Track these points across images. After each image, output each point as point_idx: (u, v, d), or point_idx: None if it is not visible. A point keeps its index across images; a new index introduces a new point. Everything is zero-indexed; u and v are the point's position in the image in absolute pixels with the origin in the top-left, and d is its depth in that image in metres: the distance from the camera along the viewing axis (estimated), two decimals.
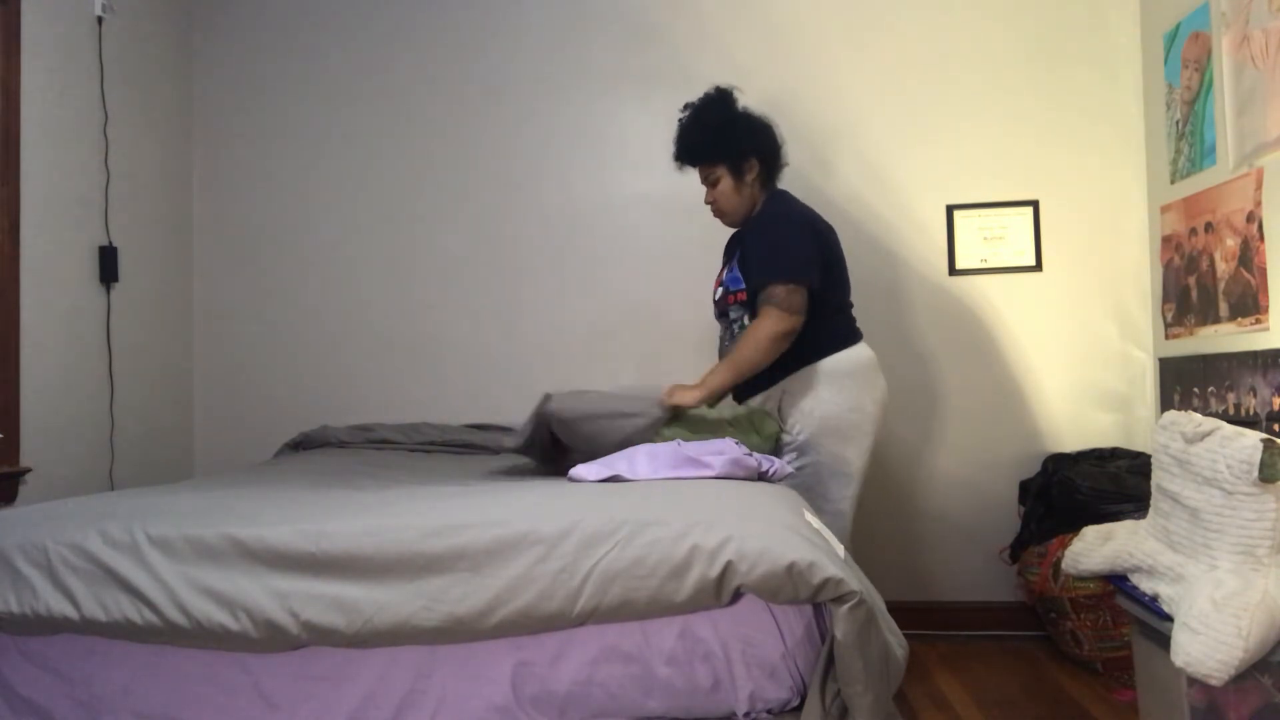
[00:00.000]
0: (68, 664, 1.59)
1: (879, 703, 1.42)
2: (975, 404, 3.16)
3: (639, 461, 2.01)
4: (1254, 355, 2.45)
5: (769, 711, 1.50)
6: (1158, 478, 1.86)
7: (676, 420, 2.30)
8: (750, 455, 2.04)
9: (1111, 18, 3.15)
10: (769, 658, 1.49)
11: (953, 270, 3.18)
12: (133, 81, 3.16)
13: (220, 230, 3.51)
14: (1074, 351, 3.13)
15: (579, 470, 2.03)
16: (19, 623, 1.56)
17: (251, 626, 1.48)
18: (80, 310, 2.88)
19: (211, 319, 3.50)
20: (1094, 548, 2.01)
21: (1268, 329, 2.43)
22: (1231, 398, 2.55)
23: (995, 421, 3.15)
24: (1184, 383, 2.83)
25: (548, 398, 2.29)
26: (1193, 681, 1.65)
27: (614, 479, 1.96)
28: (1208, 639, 1.54)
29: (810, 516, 1.69)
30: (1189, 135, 2.82)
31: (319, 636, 1.49)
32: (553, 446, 2.33)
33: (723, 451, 2.00)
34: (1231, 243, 2.58)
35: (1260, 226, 2.44)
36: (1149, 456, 2.05)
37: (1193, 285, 2.81)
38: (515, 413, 3.26)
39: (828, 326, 2.43)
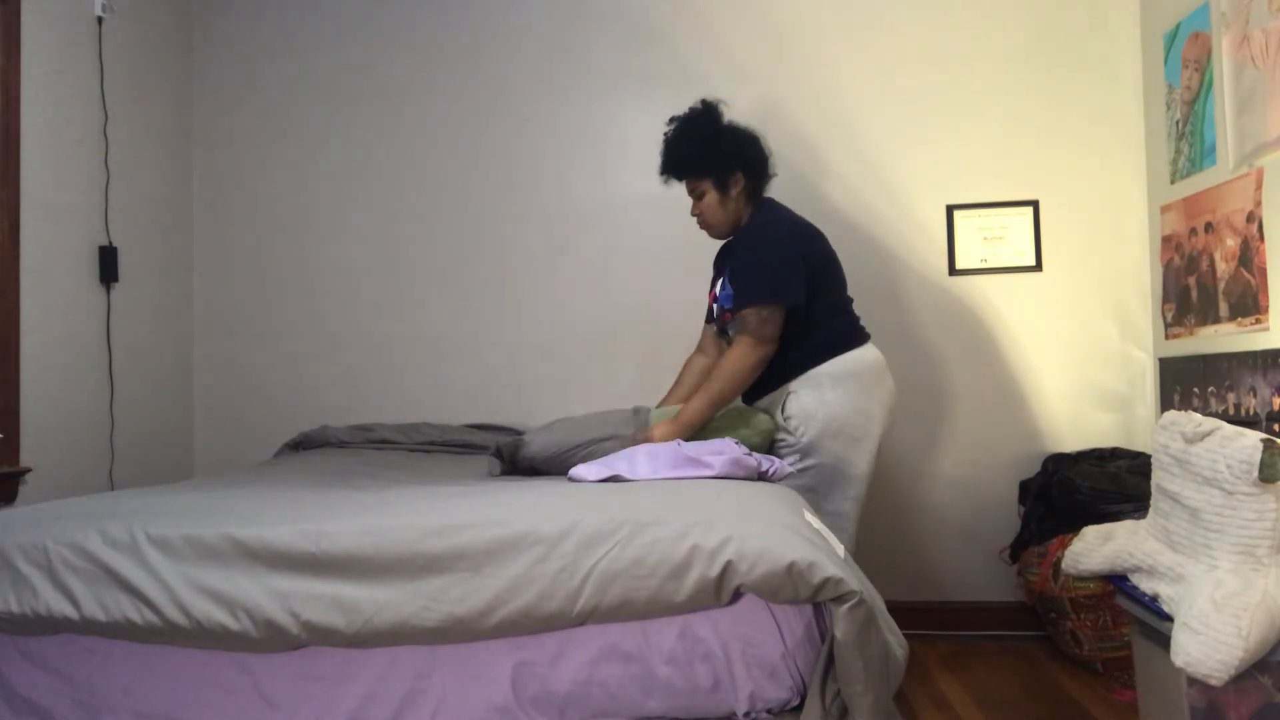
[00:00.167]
0: (68, 664, 1.59)
1: (879, 703, 1.42)
2: (975, 404, 3.16)
3: (639, 461, 2.01)
4: (1254, 355, 2.45)
5: (769, 711, 1.50)
6: (1158, 478, 1.86)
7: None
8: (750, 455, 2.04)
9: (1111, 18, 3.15)
10: (769, 658, 1.49)
11: (953, 270, 3.18)
12: (133, 81, 3.16)
13: (220, 230, 3.51)
14: (1074, 351, 3.13)
15: (579, 470, 2.04)
16: (19, 623, 1.56)
17: (251, 626, 1.48)
18: (80, 310, 2.89)
19: (211, 319, 3.50)
20: (1094, 548, 2.01)
21: (1268, 329, 2.43)
22: (1231, 398, 2.55)
23: (995, 421, 3.15)
24: (1184, 383, 2.83)
25: (520, 444, 2.33)
26: (1193, 681, 1.65)
27: (614, 479, 1.96)
28: (1208, 639, 1.54)
29: (810, 516, 1.69)
30: (1189, 135, 2.82)
31: (319, 636, 1.49)
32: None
33: (722, 451, 2.01)
34: (1231, 243, 2.58)
35: (1260, 226, 2.44)
36: (1149, 456, 2.05)
37: (1193, 285, 2.81)
38: (515, 413, 3.28)
39: (831, 328, 2.44)
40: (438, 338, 3.39)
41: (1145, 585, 1.85)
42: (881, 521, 3.08)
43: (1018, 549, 2.93)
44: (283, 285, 3.47)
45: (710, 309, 2.65)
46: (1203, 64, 2.72)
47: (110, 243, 3.00)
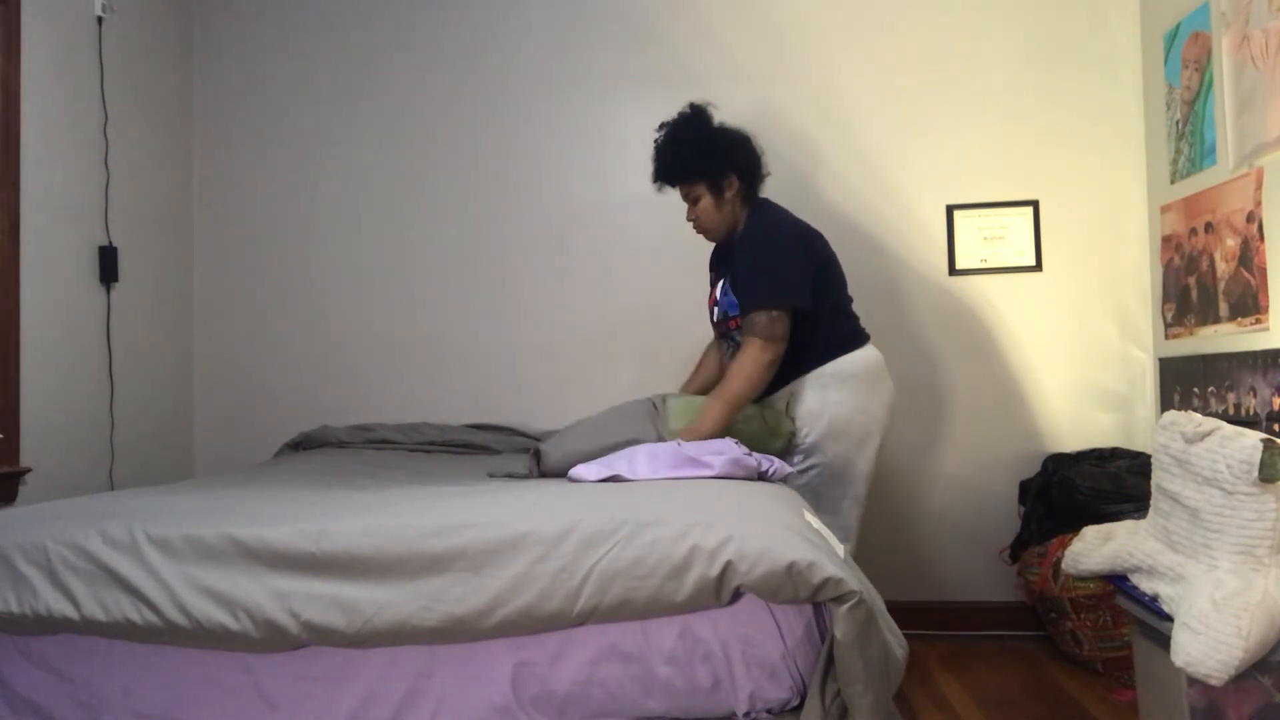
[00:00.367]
0: (68, 664, 1.59)
1: (879, 703, 1.42)
2: (975, 404, 3.16)
3: (639, 461, 2.01)
4: (1254, 355, 2.45)
5: (769, 711, 1.50)
6: (1158, 478, 1.86)
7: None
8: (750, 455, 2.04)
9: (1111, 18, 3.15)
10: (769, 658, 1.49)
11: (953, 270, 3.18)
12: (133, 81, 3.16)
13: (220, 230, 3.51)
14: (1074, 351, 3.13)
15: (579, 470, 2.04)
16: (19, 623, 1.56)
17: (251, 626, 1.48)
18: (80, 310, 2.88)
19: (211, 319, 3.50)
20: (1094, 548, 2.01)
21: (1268, 329, 2.43)
22: (1231, 398, 2.55)
23: (995, 421, 3.15)
24: (1184, 383, 2.83)
25: (538, 453, 2.28)
26: (1193, 681, 1.65)
27: (614, 479, 1.96)
28: (1208, 639, 1.54)
29: (810, 516, 1.69)
30: (1189, 135, 2.82)
31: (319, 636, 1.49)
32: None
33: (722, 451, 2.01)
34: (1231, 243, 2.58)
35: (1260, 226, 2.44)
36: (1149, 456, 2.05)
37: (1193, 285, 2.81)
38: (515, 413, 3.28)
39: (833, 329, 2.44)
40: (438, 338, 3.39)
41: (1145, 585, 1.85)
42: (881, 521, 3.08)
43: (1018, 549, 2.93)
44: (283, 285, 3.47)
45: (711, 313, 2.64)
46: (1203, 64, 2.72)
47: (110, 243, 3.00)
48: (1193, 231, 2.80)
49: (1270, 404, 2.38)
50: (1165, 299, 2.99)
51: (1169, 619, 1.71)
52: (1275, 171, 2.39)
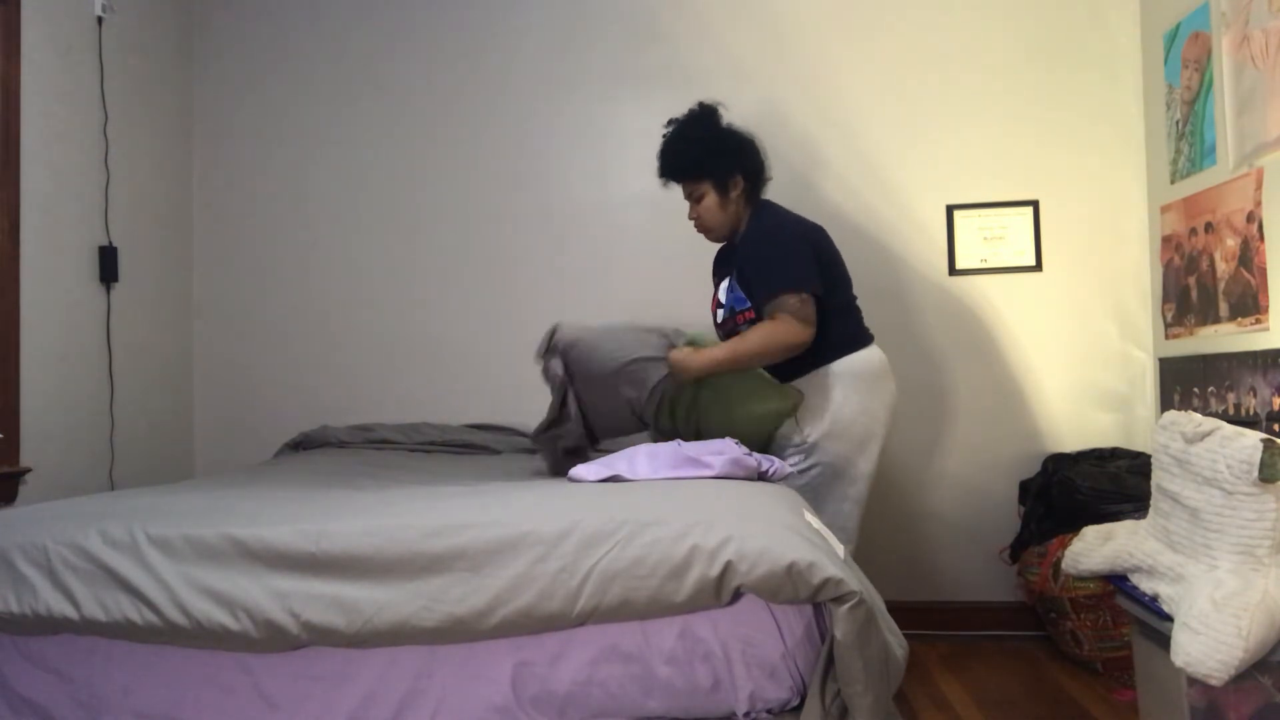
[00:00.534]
0: (68, 664, 1.59)
1: (879, 703, 1.42)
2: (975, 404, 3.16)
3: (639, 462, 2.01)
4: (1254, 355, 2.45)
5: (769, 711, 1.50)
6: (1158, 478, 1.86)
7: (707, 385, 2.35)
8: (750, 455, 2.04)
9: (1111, 18, 3.15)
10: (769, 658, 1.49)
11: (953, 270, 3.18)
12: (133, 81, 3.16)
13: (220, 230, 3.51)
14: (1074, 351, 3.13)
15: (579, 470, 2.04)
16: (19, 623, 1.56)
17: (251, 626, 1.48)
18: (80, 310, 2.88)
19: (211, 319, 3.50)
20: (1094, 548, 2.01)
21: (1268, 329, 2.43)
22: (1231, 398, 2.55)
23: (995, 421, 3.15)
24: (1184, 383, 2.83)
25: (556, 329, 2.38)
26: (1193, 681, 1.65)
27: (614, 479, 1.96)
28: (1208, 639, 1.54)
29: (810, 516, 1.69)
30: (1189, 135, 2.82)
31: (319, 636, 1.49)
32: (579, 421, 2.38)
33: (722, 451, 2.01)
34: (1231, 243, 2.58)
35: (1260, 226, 2.44)
36: (1149, 456, 2.05)
37: (1193, 285, 2.81)
38: (515, 413, 3.28)
39: (837, 328, 2.43)
40: (438, 338, 3.39)
41: (1145, 585, 1.85)
42: (882, 521, 3.08)
43: (1018, 549, 2.93)
44: (283, 285, 3.47)
45: (715, 315, 2.64)
46: (1203, 64, 2.72)
47: (110, 242, 3.00)
48: (1193, 231, 2.80)
49: (1270, 404, 2.38)
50: (1165, 299, 2.99)
51: (1169, 619, 1.71)
52: (1275, 171, 2.39)
